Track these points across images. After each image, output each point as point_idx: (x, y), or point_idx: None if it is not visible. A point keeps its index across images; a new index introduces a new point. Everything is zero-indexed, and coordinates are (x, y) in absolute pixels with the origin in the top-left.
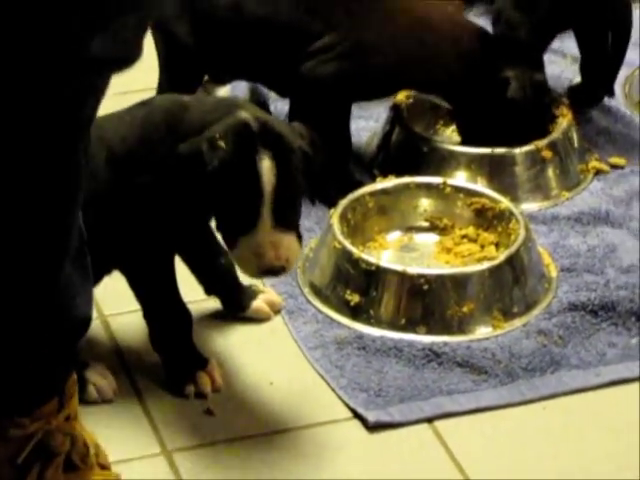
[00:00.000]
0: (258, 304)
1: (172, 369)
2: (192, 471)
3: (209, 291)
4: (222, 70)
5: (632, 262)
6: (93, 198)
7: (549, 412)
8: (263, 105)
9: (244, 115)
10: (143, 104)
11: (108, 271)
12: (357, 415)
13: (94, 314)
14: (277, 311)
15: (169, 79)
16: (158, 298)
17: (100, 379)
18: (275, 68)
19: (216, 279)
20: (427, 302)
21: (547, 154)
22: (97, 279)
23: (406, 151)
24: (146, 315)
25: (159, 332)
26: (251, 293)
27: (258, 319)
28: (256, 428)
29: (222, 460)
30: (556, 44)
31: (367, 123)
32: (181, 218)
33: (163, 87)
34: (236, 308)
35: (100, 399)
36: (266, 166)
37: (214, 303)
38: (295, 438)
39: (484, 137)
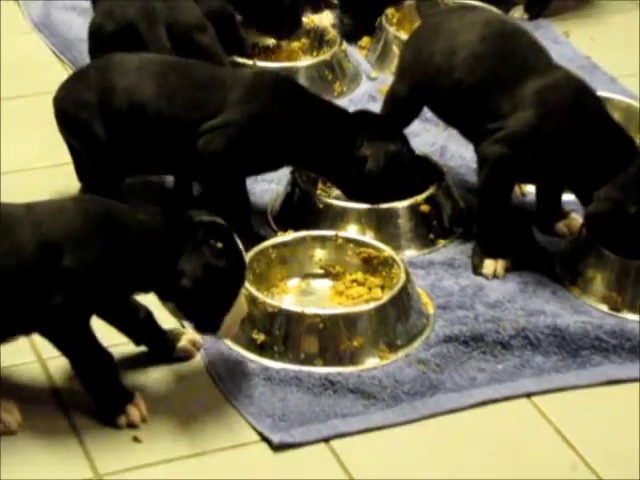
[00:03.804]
0: (183, 344)
1: (104, 406)
2: None
3: (138, 342)
4: (135, 164)
5: (497, 298)
6: (14, 272)
7: (429, 430)
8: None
9: (210, 218)
10: (79, 200)
11: (25, 334)
12: (264, 438)
13: (33, 357)
14: (198, 348)
15: (94, 176)
16: (81, 352)
17: (5, 414)
18: (175, 156)
19: (142, 332)
20: (323, 338)
21: (425, 208)
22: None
23: (305, 209)
24: (73, 366)
25: (88, 378)
26: (175, 335)
27: (182, 357)
28: (178, 452)
29: None
30: (428, 114)
31: (269, 185)
32: (108, 297)
33: (91, 184)
34: (164, 352)
35: (5, 430)
36: (240, 242)
37: (135, 348)
38: (211, 459)
39: (365, 198)
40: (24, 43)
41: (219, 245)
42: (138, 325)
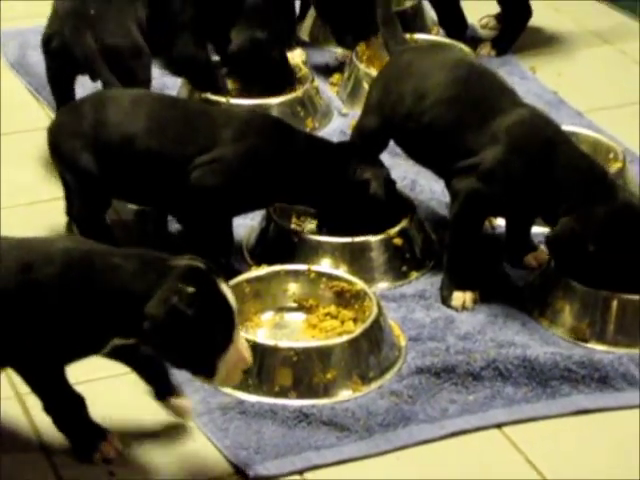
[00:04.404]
0: (178, 402)
1: (77, 444)
2: None
3: (143, 378)
4: (122, 195)
5: (468, 330)
6: None
7: (402, 461)
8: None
9: (186, 261)
10: (63, 241)
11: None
12: (239, 471)
13: (10, 392)
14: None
15: (82, 205)
16: (52, 395)
17: None
18: (163, 189)
19: (151, 377)
20: (297, 371)
21: (398, 241)
22: None
23: (280, 243)
24: (45, 408)
25: (60, 419)
26: (177, 391)
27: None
28: None
29: None
30: (398, 149)
31: (244, 221)
32: (83, 343)
33: (77, 214)
34: (161, 398)
35: None
36: (225, 287)
37: (118, 382)
38: None
39: (344, 230)
40: (1, 82)
41: (190, 290)
42: (151, 368)
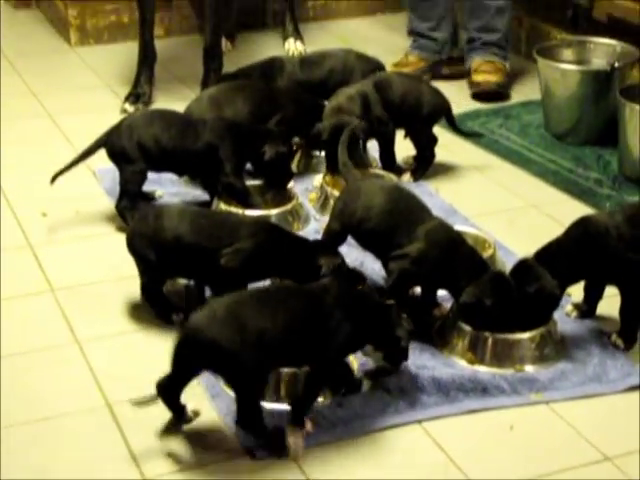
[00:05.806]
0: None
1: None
2: None
3: None
4: (174, 273)
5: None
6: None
7: (357, 445)
8: None
9: (390, 302)
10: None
11: None
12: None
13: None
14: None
15: (149, 282)
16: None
17: None
18: (201, 270)
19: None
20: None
21: None
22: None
23: None
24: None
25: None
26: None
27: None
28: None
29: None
30: (352, 242)
31: None
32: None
33: (145, 287)
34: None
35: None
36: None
37: None
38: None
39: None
40: (97, 204)
41: (406, 317)
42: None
